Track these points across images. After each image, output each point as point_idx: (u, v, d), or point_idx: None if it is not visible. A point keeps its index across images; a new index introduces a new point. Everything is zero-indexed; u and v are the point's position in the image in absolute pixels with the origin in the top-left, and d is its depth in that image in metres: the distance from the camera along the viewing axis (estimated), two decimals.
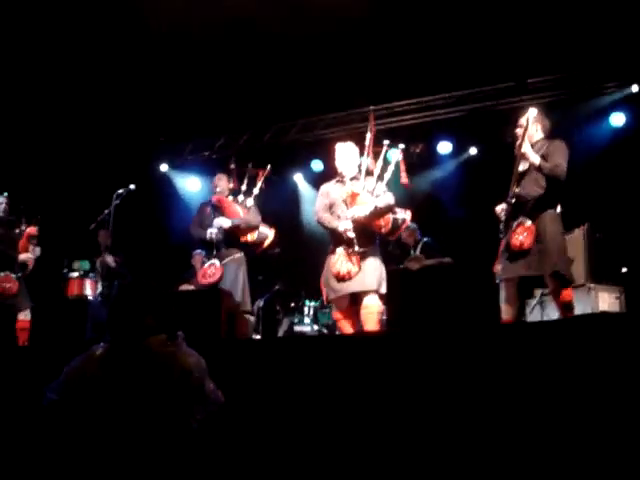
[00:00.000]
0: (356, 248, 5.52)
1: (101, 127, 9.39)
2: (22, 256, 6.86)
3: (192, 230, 6.66)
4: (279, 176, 10.21)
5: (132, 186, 7.45)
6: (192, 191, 10.57)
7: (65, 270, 7.82)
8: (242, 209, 6.51)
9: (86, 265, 7.81)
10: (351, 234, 5.52)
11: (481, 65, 8.13)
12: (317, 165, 9.98)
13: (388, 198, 5.68)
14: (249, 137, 10.07)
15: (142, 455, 2.90)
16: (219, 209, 6.51)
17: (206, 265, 6.38)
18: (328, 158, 9.44)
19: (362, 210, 5.59)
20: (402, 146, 6.11)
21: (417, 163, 9.13)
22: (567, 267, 5.26)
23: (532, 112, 5.34)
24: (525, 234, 5.15)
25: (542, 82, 8.46)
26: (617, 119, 8.31)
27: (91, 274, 7.81)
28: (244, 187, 6.71)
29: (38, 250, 6.97)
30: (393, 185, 5.93)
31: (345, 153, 5.91)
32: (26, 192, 7.55)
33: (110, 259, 7.89)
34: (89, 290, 7.63)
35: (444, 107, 9.04)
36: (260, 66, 8.33)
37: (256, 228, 6.54)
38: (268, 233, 6.69)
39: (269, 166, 6.97)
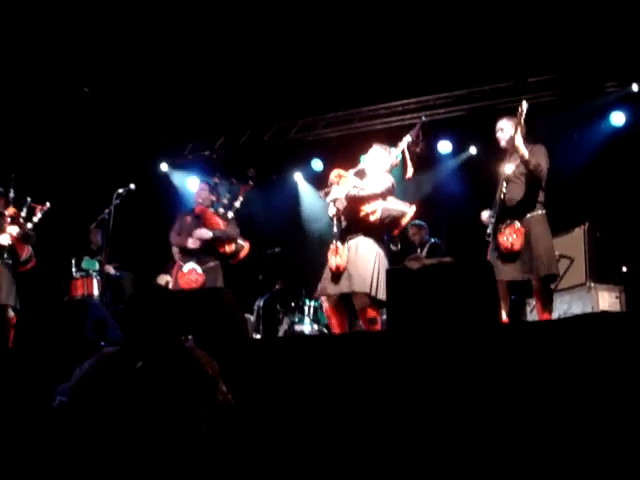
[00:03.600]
0: (334, 230, 5.48)
1: (102, 126, 9.39)
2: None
3: (171, 238, 6.99)
4: (279, 175, 10.24)
5: (132, 185, 7.44)
6: (192, 191, 10.55)
7: (74, 270, 7.79)
8: (222, 221, 6.84)
9: (94, 265, 7.77)
10: (333, 218, 5.51)
11: (481, 64, 8.12)
12: (317, 164, 9.96)
13: (375, 183, 5.50)
14: (249, 136, 10.06)
15: (153, 457, 2.90)
16: (201, 219, 6.82)
17: (185, 270, 6.59)
18: (328, 157, 9.56)
19: (341, 191, 5.51)
20: (409, 138, 5.90)
21: (417, 162, 9.11)
22: (557, 267, 5.49)
23: (525, 105, 5.39)
24: (515, 236, 5.33)
25: (542, 81, 8.43)
26: (617, 118, 8.29)
27: (94, 273, 7.76)
28: (225, 200, 7.08)
29: (14, 229, 6.71)
30: (397, 179, 5.80)
31: (377, 154, 5.77)
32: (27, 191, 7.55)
33: (109, 267, 7.86)
34: (97, 289, 7.59)
35: (444, 106, 9.02)
36: (260, 65, 8.33)
37: (234, 240, 6.82)
38: (244, 245, 6.93)
39: (251, 182, 7.49)
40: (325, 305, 5.64)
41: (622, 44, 7.58)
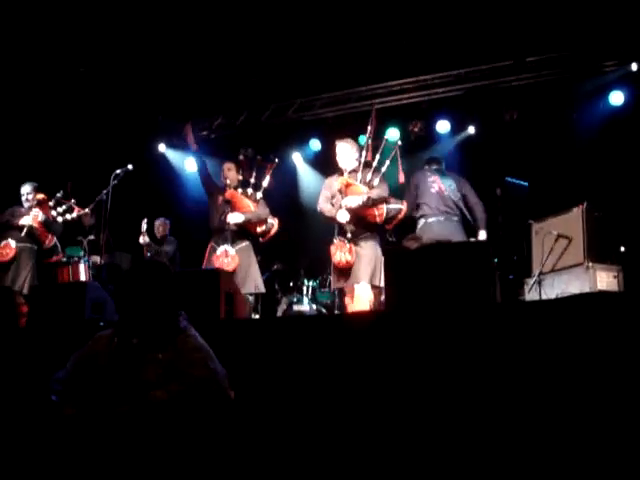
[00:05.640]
0: (348, 235, 6.11)
1: (98, 107, 9.35)
2: (20, 220, 6.82)
3: (210, 221, 7.06)
4: (277, 155, 10.20)
5: (130, 166, 7.43)
6: (190, 171, 10.53)
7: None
8: (252, 202, 6.93)
9: (78, 251, 7.80)
10: (348, 224, 6.13)
11: (480, 43, 8.08)
12: (315, 145, 9.94)
13: (382, 190, 6.23)
14: (247, 116, 10.03)
15: (150, 441, 2.91)
16: (231, 204, 6.87)
17: (219, 252, 6.68)
18: (326, 137, 9.52)
19: (355, 200, 6.13)
20: (399, 142, 6.65)
21: (415, 142, 9.10)
22: None
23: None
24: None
25: (541, 61, 8.41)
26: (616, 98, 8.26)
27: (84, 259, 7.77)
28: (253, 179, 7.05)
29: (40, 214, 6.95)
30: (388, 177, 6.43)
31: (344, 150, 6.42)
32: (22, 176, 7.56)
33: (96, 259, 7.87)
34: (84, 275, 7.60)
35: (442, 86, 8.99)
36: (257, 45, 8.28)
37: (265, 221, 6.96)
38: (273, 223, 7.07)
39: (276, 159, 7.38)
40: (347, 301, 6.26)
41: (622, 23, 7.54)
